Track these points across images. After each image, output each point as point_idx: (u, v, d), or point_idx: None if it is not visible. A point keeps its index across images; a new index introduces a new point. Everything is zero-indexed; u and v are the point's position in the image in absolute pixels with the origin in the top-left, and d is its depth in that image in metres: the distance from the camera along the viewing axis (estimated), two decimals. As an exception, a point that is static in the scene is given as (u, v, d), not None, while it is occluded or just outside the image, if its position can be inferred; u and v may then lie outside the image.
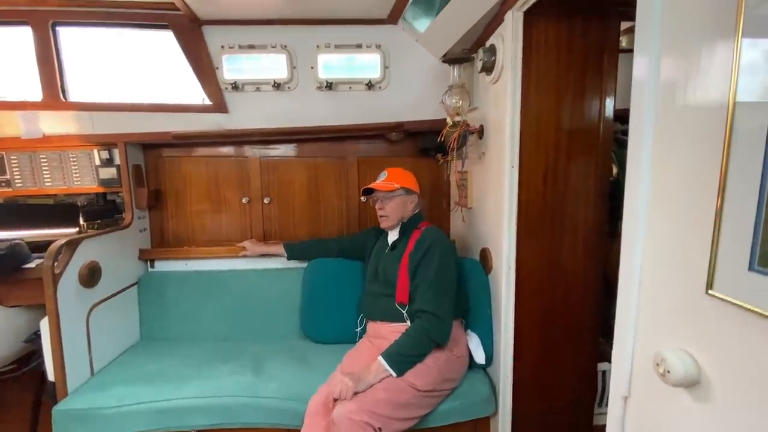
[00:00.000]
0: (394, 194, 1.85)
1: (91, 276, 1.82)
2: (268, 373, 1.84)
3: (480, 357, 1.78)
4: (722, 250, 0.67)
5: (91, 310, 1.85)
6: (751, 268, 0.62)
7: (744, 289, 0.64)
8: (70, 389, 1.71)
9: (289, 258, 2.21)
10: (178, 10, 1.91)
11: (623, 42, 1.84)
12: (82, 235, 1.81)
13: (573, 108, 1.63)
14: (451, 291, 1.68)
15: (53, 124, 2.10)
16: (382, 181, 1.88)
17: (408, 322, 1.70)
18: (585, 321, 1.79)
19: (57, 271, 1.65)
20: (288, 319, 2.22)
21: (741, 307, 0.64)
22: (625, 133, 2.13)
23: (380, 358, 1.53)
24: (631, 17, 1.69)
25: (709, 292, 0.70)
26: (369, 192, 1.90)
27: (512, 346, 1.71)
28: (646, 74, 0.84)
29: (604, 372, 1.94)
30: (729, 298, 0.66)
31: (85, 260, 1.81)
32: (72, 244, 1.74)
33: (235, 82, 2.10)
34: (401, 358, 1.53)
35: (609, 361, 1.97)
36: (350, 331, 2.05)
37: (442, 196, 2.51)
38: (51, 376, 1.71)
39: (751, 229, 0.62)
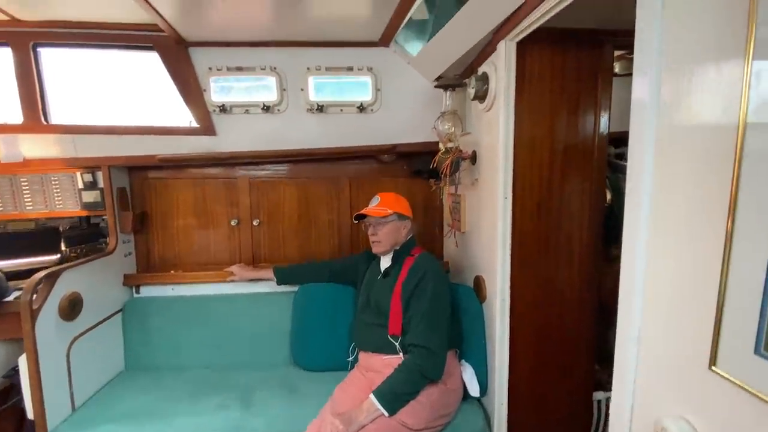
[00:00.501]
0: (387, 220, 1.81)
1: (71, 308, 1.76)
2: (256, 405, 1.79)
3: (474, 389, 1.74)
4: (726, 328, 0.64)
5: (72, 343, 1.78)
6: (757, 351, 0.59)
7: (748, 372, 0.61)
8: (50, 427, 1.64)
9: (279, 283, 2.15)
10: (162, 31, 1.86)
11: (616, 68, 1.83)
12: (62, 266, 1.74)
13: (567, 131, 1.62)
14: (445, 323, 1.64)
15: (34, 147, 2.03)
16: (374, 206, 1.84)
17: (401, 354, 1.66)
18: (581, 349, 1.77)
19: (35, 306, 1.59)
20: (278, 346, 2.17)
21: (745, 389, 0.61)
22: (619, 156, 2.12)
23: (372, 396, 1.49)
24: (623, 46, 1.70)
25: (713, 368, 0.67)
26: (361, 217, 1.87)
27: (507, 378, 1.68)
28: (646, 94, 0.81)
29: (599, 401, 1.91)
30: (733, 378, 0.63)
31: (66, 292, 1.74)
32: (51, 277, 1.67)
33: (223, 105, 2.05)
34: (393, 397, 1.49)
35: (604, 389, 1.95)
36: (342, 359, 2.00)
37: (435, 217, 2.48)
38: (30, 414, 1.64)
39: (758, 311, 0.59)
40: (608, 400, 1.95)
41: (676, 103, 0.75)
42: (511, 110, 1.51)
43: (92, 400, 1.85)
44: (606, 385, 1.97)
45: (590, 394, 1.85)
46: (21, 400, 1.72)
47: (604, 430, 1.90)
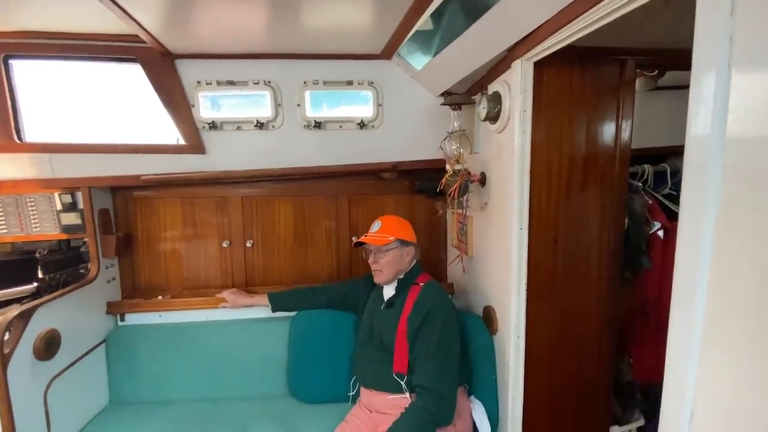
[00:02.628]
0: (389, 247, 1.69)
1: (48, 347, 1.60)
2: (251, 447, 1.66)
3: (485, 429, 1.63)
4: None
5: (49, 384, 1.63)
6: None
7: None
8: (26, 478, 1.50)
9: (274, 310, 2.02)
10: (145, 42, 1.71)
11: (636, 85, 1.72)
12: (36, 303, 1.59)
13: (587, 154, 1.51)
14: (455, 361, 1.53)
15: (7, 167, 1.87)
16: (375, 232, 1.72)
17: (407, 394, 1.55)
18: (599, 385, 1.67)
19: (6, 351, 1.44)
20: (273, 377, 2.03)
21: None
22: (632, 175, 2.02)
23: (378, 447, 1.38)
24: (643, 65, 1.59)
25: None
26: (362, 243, 1.74)
27: (521, 418, 1.57)
28: (709, 106, 0.66)
29: (615, 436, 1.82)
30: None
31: (41, 330, 1.59)
32: (24, 316, 1.52)
33: (213, 121, 1.91)
34: (402, 448, 1.38)
35: (620, 424, 1.86)
36: (342, 391, 1.88)
37: (438, 236, 2.36)
38: (3, 464, 1.50)
39: None
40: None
41: (758, 116, 0.60)
42: (528, 135, 1.40)
43: (73, 443, 1.71)
44: (621, 419, 1.88)
45: (607, 429, 1.75)
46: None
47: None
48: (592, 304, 1.58)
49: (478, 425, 1.64)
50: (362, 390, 1.73)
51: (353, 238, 2.28)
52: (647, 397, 1.97)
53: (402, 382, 1.56)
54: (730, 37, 0.64)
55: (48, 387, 1.62)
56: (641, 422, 1.93)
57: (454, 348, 1.54)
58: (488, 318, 1.72)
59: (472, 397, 1.70)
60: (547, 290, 1.52)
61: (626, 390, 1.93)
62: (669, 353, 0.79)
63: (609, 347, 1.63)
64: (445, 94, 1.83)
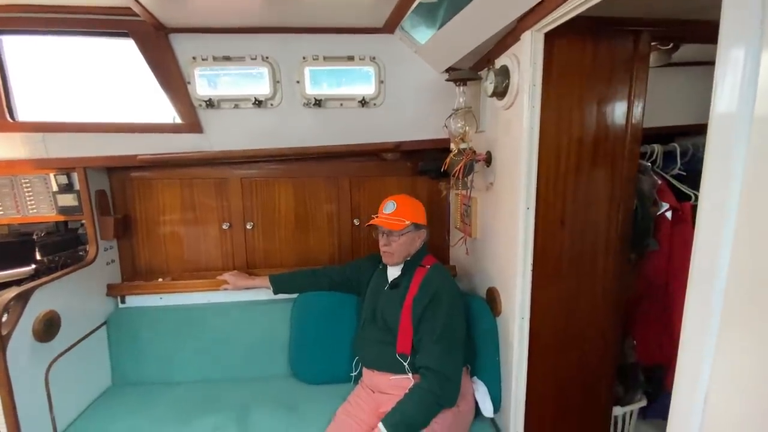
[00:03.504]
0: (404, 231, 1.64)
1: (47, 328, 1.59)
2: (254, 427, 1.66)
3: (488, 410, 1.63)
4: None
5: (50, 365, 1.62)
6: None
7: None
8: (29, 459, 1.50)
9: (276, 292, 2.00)
10: (137, 16, 1.64)
11: (650, 59, 1.66)
12: (34, 284, 1.57)
13: (597, 133, 1.45)
14: (460, 344, 1.52)
15: (-1, 147, 1.83)
16: (389, 214, 1.66)
17: (410, 375, 1.54)
18: (604, 367, 1.66)
19: (5, 332, 1.42)
20: (275, 358, 2.03)
21: None
22: (642, 155, 1.97)
23: (382, 428, 1.36)
24: (661, 36, 1.53)
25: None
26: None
27: (524, 399, 1.56)
28: (737, 79, 0.63)
29: (616, 417, 1.82)
30: None
31: (40, 312, 1.57)
32: (22, 297, 1.50)
33: (209, 99, 1.85)
34: (407, 429, 1.37)
35: (621, 405, 1.86)
36: (344, 371, 1.88)
37: (441, 218, 2.32)
38: (6, 445, 1.50)
39: None
40: (625, 415, 1.86)
41: None
42: (537, 111, 1.35)
43: (77, 423, 1.70)
44: (623, 401, 1.88)
45: (610, 410, 1.75)
46: (-4, 428, 1.58)
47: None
48: (597, 292, 1.55)
49: (480, 406, 1.64)
50: (365, 370, 1.72)
51: (354, 221, 2.26)
52: (650, 379, 1.96)
53: (405, 363, 1.55)
54: (763, 5, 0.59)
55: (49, 368, 1.61)
56: (643, 403, 1.93)
57: (459, 331, 1.52)
58: (492, 300, 1.70)
59: (475, 378, 1.70)
60: (553, 272, 1.50)
61: (629, 371, 1.92)
62: (684, 333, 0.76)
63: (615, 336, 1.61)
64: (450, 69, 1.76)
